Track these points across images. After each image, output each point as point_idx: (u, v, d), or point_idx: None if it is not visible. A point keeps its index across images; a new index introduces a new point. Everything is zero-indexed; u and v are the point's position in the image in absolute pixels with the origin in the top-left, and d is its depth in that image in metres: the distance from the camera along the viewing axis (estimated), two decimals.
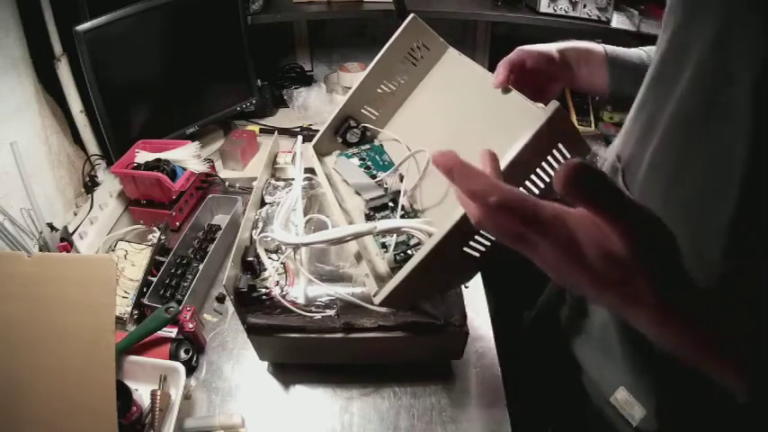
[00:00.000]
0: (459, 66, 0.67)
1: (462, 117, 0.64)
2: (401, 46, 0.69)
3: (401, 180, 0.68)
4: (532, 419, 0.80)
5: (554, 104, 0.43)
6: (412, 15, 0.67)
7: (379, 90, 0.72)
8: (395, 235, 0.61)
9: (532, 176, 0.46)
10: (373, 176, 0.70)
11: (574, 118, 1.40)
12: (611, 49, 0.66)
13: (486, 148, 0.40)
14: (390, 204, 0.67)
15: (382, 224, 0.57)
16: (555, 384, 0.75)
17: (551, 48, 0.64)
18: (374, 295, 0.53)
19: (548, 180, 0.47)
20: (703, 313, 0.33)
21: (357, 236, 0.58)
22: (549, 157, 0.45)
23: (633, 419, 0.58)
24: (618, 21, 1.21)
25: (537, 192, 0.47)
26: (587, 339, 0.66)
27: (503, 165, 0.43)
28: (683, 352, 0.34)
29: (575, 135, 0.46)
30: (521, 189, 0.36)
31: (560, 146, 0.45)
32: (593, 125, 1.40)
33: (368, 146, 0.75)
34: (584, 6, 1.22)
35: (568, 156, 0.46)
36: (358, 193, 0.69)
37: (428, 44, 0.69)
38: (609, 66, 0.64)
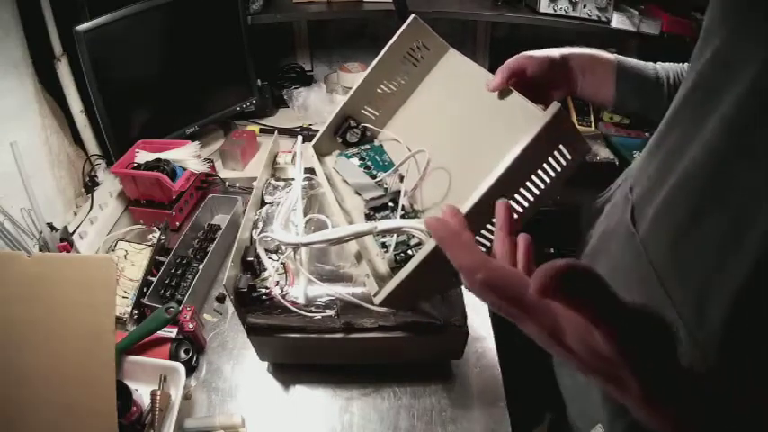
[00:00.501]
0: (459, 66, 0.67)
1: (463, 117, 0.64)
2: (401, 46, 0.69)
3: (401, 180, 0.68)
4: (532, 419, 0.80)
5: (555, 106, 0.43)
6: (413, 16, 0.67)
7: (379, 90, 0.72)
8: (395, 235, 0.61)
9: (533, 177, 0.46)
10: (373, 176, 0.70)
11: (574, 118, 1.40)
12: (622, 60, 0.62)
13: (454, 207, 0.40)
14: (390, 204, 0.67)
15: (382, 224, 0.57)
16: (549, 398, 0.73)
17: (555, 53, 0.62)
18: (374, 295, 0.53)
19: (548, 181, 0.47)
20: (693, 411, 0.31)
21: (357, 236, 0.58)
22: (550, 158, 0.46)
23: None
24: (618, 21, 1.22)
25: (538, 193, 0.47)
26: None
27: (504, 166, 0.43)
28: None
29: (575, 136, 0.46)
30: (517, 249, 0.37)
31: (561, 147, 0.45)
32: (593, 125, 1.40)
33: (368, 146, 0.75)
34: (584, 6, 1.22)
35: (569, 156, 0.46)
36: (358, 194, 0.69)
37: (428, 44, 0.69)
38: (617, 78, 0.62)
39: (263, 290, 0.66)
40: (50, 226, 0.88)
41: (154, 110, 1.16)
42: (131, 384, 0.67)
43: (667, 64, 0.64)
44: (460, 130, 0.64)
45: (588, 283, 0.27)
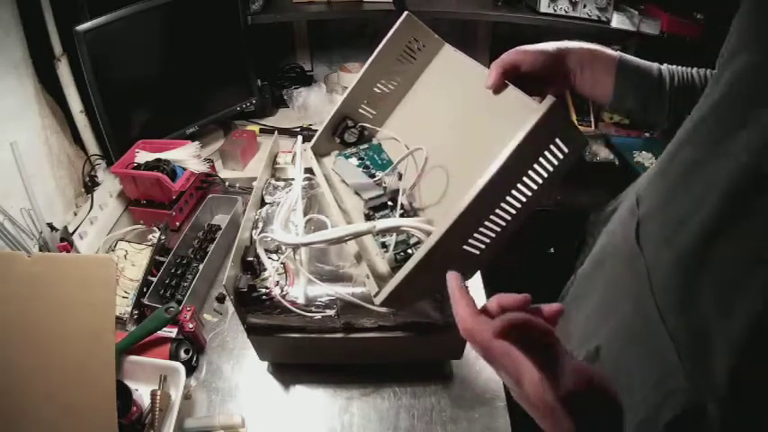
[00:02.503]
0: (455, 62, 0.67)
1: (460, 113, 0.64)
2: (396, 44, 0.68)
3: (400, 179, 0.68)
4: (532, 419, 0.80)
5: (550, 99, 0.42)
6: (406, 13, 0.67)
7: (375, 89, 0.72)
8: (394, 234, 0.61)
9: (530, 172, 0.46)
10: (372, 176, 0.70)
11: (574, 118, 1.40)
12: (624, 57, 0.61)
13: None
14: (389, 203, 0.67)
15: (381, 223, 0.57)
16: None
17: (551, 47, 0.60)
18: (375, 295, 0.53)
19: (545, 175, 0.47)
20: None
21: (356, 235, 0.58)
22: (547, 152, 0.45)
23: None
24: (618, 21, 1.22)
25: (535, 188, 0.47)
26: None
27: (500, 161, 0.43)
28: None
29: (572, 129, 0.46)
30: None
31: (557, 140, 0.45)
32: (593, 125, 1.40)
33: (366, 145, 0.75)
34: (584, 6, 1.22)
35: (566, 150, 0.46)
36: (357, 193, 0.69)
37: (424, 41, 0.68)
38: (617, 75, 0.60)
39: (263, 290, 0.66)
40: (50, 226, 0.88)
41: (154, 110, 1.16)
42: (131, 384, 0.67)
43: (673, 66, 0.62)
44: (458, 126, 0.64)
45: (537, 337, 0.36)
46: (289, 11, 1.38)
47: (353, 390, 0.74)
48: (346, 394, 0.74)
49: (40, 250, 0.84)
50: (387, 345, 0.69)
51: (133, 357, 0.71)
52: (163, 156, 1.04)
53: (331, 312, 0.65)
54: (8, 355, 0.62)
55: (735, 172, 0.38)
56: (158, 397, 0.66)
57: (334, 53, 1.60)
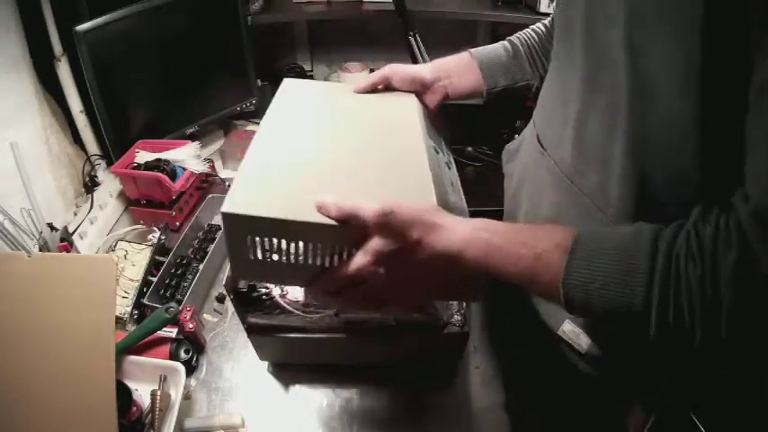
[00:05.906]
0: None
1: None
2: None
3: None
4: (532, 419, 0.80)
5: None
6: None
7: None
8: None
9: None
10: None
11: None
12: (474, 51, 0.73)
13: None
14: None
15: None
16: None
17: (423, 69, 0.71)
18: None
19: None
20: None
21: None
22: None
23: (581, 348, 0.60)
24: None
25: None
26: None
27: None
28: None
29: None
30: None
31: None
32: None
33: None
34: None
35: None
36: None
37: None
38: (480, 65, 0.71)
39: (263, 290, 0.66)
40: (50, 226, 0.87)
41: (154, 110, 1.16)
42: (131, 384, 0.67)
43: (519, 33, 0.75)
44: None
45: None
46: (289, 11, 1.38)
47: (353, 390, 0.74)
48: (346, 394, 0.74)
49: (40, 250, 0.84)
50: (387, 345, 0.69)
51: (133, 357, 0.71)
52: (163, 156, 1.04)
53: (331, 312, 0.65)
54: (8, 354, 0.62)
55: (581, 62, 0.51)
56: (158, 397, 0.66)
57: (334, 53, 1.60)
